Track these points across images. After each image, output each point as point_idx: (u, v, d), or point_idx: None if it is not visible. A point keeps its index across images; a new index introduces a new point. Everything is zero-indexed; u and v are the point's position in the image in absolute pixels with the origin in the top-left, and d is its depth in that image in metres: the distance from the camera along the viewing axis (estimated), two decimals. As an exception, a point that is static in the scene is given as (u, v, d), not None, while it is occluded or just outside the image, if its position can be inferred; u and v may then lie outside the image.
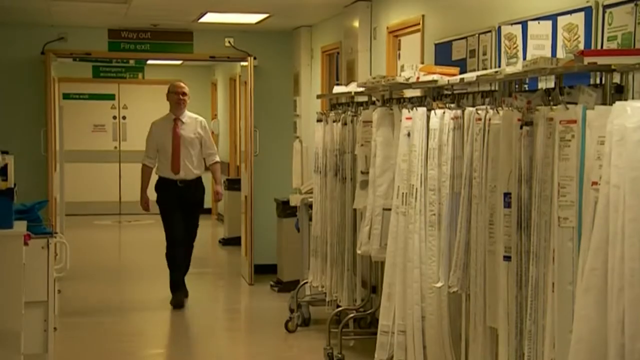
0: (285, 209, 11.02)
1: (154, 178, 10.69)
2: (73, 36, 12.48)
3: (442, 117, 5.73)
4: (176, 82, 10.76)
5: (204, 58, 13.73)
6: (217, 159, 10.84)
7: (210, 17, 11.42)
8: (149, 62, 16.87)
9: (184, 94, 10.42)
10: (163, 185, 10.39)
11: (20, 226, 5.83)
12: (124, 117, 20.21)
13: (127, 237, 17.84)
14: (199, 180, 10.53)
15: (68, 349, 7.52)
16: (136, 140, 19.78)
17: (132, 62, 16.62)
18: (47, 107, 12.28)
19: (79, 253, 13.30)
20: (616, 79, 4.30)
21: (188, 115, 10.60)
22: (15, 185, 5.78)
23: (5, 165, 5.72)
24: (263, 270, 11.90)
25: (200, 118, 10.89)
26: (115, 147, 20.13)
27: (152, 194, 10.88)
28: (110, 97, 19.99)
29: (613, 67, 4.21)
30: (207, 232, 17.15)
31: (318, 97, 10.90)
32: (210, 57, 13.45)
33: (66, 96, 17.08)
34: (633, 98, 4.10)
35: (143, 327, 9.79)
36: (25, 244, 5.79)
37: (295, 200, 10.47)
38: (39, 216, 6.58)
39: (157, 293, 11.61)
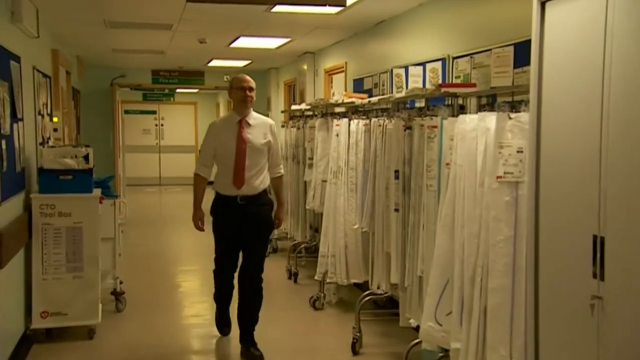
0: (262, 181, 11.03)
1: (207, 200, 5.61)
2: (130, 74, 12.43)
3: (357, 124, 5.76)
4: (241, 74, 5.47)
5: (211, 88, 13.66)
6: (282, 171, 5.62)
7: (214, 63, 11.37)
8: (178, 90, 16.73)
9: (251, 89, 5.32)
10: (220, 204, 5.31)
11: (97, 192, 5.82)
12: (162, 125, 20.05)
13: (165, 199, 17.65)
14: (263, 194, 5.32)
15: (128, 267, 7.51)
16: (169, 139, 19.93)
17: (167, 90, 16.46)
18: (114, 118, 12.24)
19: (134, 208, 13.25)
20: (460, 101, 4.38)
21: (255, 116, 5.42)
22: (93, 166, 5.77)
23: (88, 154, 5.71)
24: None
25: (270, 120, 5.70)
26: (157, 143, 19.99)
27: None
28: (153, 112, 19.80)
29: (458, 94, 4.32)
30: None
31: (282, 112, 10.83)
32: (215, 87, 13.42)
33: (126, 112, 16.85)
34: (469, 113, 4.18)
35: (175, 254, 9.75)
36: (100, 202, 5.78)
37: (268, 175, 10.52)
38: (109, 186, 6.56)
39: (185, 233, 11.60)
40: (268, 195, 5.39)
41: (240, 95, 5.24)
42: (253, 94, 5.30)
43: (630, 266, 2.60)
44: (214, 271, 5.60)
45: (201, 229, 5.47)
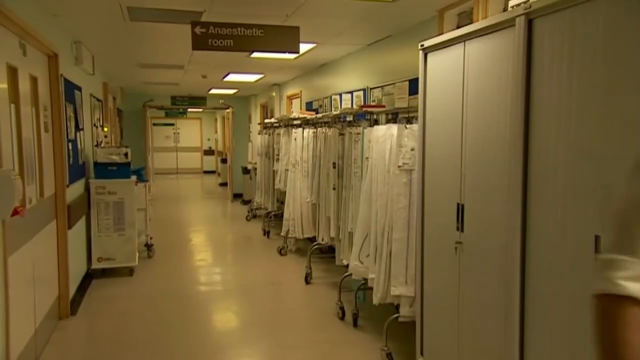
0: (245, 170, 10.94)
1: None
2: (156, 99, 12.15)
3: (308, 132, 5.74)
4: None
5: (211, 108, 13.46)
6: None
7: (213, 91, 11.16)
8: (188, 110, 16.48)
9: None
10: None
11: (134, 178, 5.78)
12: (178, 133, 19.75)
13: (180, 183, 17.41)
14: None
15: (157, 228, 7.47)
16: (183, 142, 19.55)
17: (181, 109, 16.18)
18: (145, 129, 11.97)
19: (159, 189, 13.10)
20: (375, 117, 4.39)
21: None
22: (131, 160, 5.72)
23: (127, 152, 5.66)
24: (237, 196, 11.85)
25: None
26: (174, 145, 19.67)
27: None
28: (172, 124, 19.43)
29: (373, 112, 4.34)
30: (214, 181, 16.91)
31: (258, 124, 10.67)
32: (213, 107, 13.21)
33: (154, 124, 16.64)
34: (381, 124, 4.20)
35: (188, 219, 9.67)
36: (136, 185, 5.74)
37: (249, 166, 10.44)
38: (141, 174, 6.51)
39: (194, 206, 11.49)
40: None
41: None
42: None
43: (477, 222, 2.69)
44: None
45: None
